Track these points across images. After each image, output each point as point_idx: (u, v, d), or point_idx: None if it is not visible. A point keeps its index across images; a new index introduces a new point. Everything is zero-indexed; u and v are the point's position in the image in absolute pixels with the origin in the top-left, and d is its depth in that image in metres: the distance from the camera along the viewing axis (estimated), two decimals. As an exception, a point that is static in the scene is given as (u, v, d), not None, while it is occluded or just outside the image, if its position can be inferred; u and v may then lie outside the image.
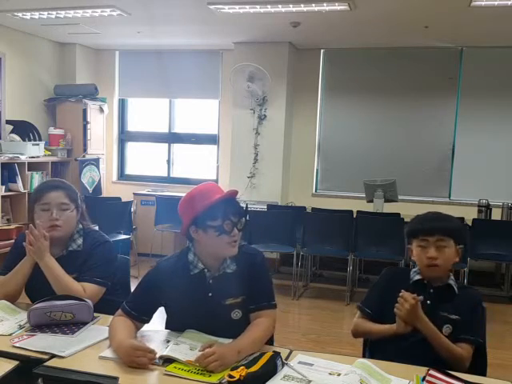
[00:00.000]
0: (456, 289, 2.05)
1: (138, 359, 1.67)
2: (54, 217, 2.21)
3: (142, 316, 1.95)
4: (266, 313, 1.94)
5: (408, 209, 5.54)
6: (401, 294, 1.93)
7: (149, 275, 2.01)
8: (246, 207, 1.99)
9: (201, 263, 1.94)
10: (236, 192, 1.94)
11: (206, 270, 1.94)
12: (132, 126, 7.48)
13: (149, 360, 1.68)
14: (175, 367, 1.68)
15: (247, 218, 1.94)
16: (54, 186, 2.30)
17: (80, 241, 2.30)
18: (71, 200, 2.28)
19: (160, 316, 2.04)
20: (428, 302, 2.03)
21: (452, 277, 2.09)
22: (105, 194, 6.82)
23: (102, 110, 6.84)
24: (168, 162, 7.28)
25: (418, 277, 2.08)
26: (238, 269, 1.94)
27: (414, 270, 2.12)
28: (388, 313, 2.06)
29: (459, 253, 2.06)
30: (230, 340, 1.84)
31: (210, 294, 1.92)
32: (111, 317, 1.98)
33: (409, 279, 2.11)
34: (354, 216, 5.37)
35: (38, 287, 2.20)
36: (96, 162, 6.58)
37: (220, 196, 1.88)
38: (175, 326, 1.98)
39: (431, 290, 2.05)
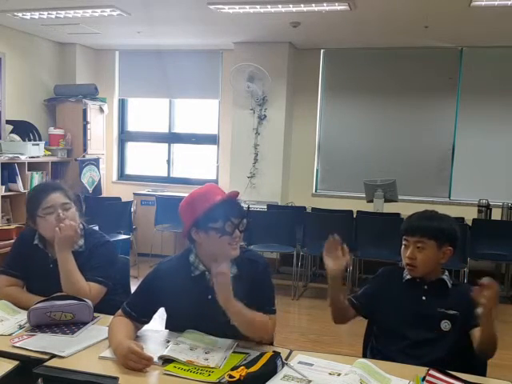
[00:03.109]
0: (449, 284, 2.05)
1: (132, 363, 1.66)
2: (62, 217, 2.21)
3: (141, 317, 1.95)
4: None
5: (408, 209, 5.47)
6: (483, 281, 1.81)
7: (149, 276, 2.00)
8: (248, 208, 1.98)
9: (202, 265, 1.94)
10: (237, 193, 1.93)
11: (207, 273, 1.93)
12: (132, 126, 7.48)
13: (143, 366, 1.66)
14: (175, 367, 1.68)
15: (250, 219, 1.93)
16: (52, 187, 2.29)
17: (81, 241, 2.30)
18: (70, 198, 2.30)
19: (160, 316, 2.03)
20: (423, 298, 2.03)
21: (446, 273, 2.09)
22: (105, 193, 6.81)
23: (101, 110, 6.84)
24: (168, 162, 7.28)
25: (409, 276, 2.08)
26: (240, 274, 1.92)
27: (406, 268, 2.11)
28: (379, 310, 2.08)
29: (447, 254, 2.03)
30: (231, 340, 1.84)
31: (210, 297, 1.89)
32: (111, 317, 1.98)
33: (402, 278, 2.10)
34: (354, 216, 5.37)
35: (38, 287, 2.20)
36: (96, 162, 6.58)
37: (221, 197, 1.87)
38: (175, 326, 1.97)
39: (425, 287, 2.05)
